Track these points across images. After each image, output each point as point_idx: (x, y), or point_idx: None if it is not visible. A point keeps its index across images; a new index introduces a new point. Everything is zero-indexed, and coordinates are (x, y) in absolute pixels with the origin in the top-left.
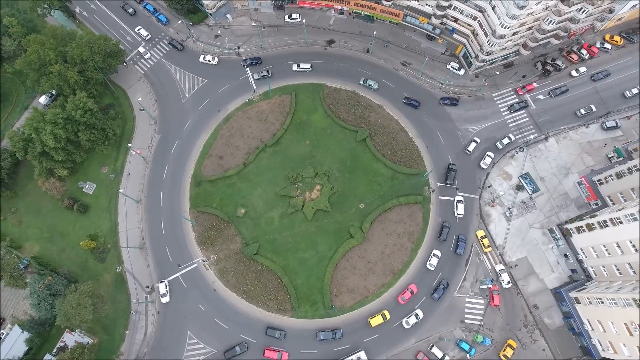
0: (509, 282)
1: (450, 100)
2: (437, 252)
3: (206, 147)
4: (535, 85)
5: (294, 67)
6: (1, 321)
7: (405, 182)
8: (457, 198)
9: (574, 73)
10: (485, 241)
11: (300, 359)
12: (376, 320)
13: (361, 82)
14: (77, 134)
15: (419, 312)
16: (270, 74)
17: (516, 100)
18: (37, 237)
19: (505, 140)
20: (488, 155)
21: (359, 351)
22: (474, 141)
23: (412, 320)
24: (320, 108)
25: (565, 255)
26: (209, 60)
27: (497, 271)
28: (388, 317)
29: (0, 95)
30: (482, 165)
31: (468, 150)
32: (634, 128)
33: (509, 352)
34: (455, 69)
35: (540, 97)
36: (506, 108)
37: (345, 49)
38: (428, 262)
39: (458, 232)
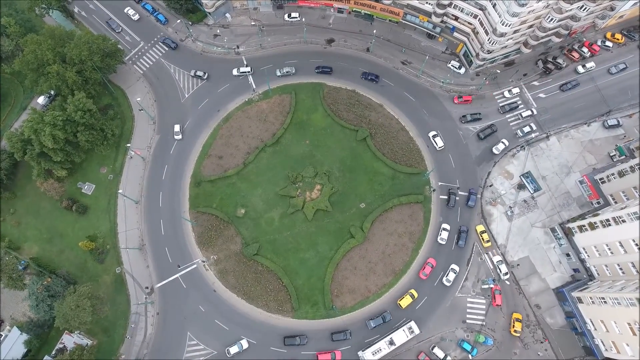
0: (506, 274)
1: (370, 75)
2: (447, 226)
3: (206, 147)
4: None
5: (234, 72)
6: (0, 323)
7: (406, 181)
8: (432, 134)
9: (580, 69)
10: (485, 236)
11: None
12: (406, 301)
13: (278, 73)
14: (75, 135)
15: (455, 266)
16: (206, 76)
17: (470, 111)
18: (36, 238)
19: (527, 129)
20: (502, 142)
21: (409, 321)
22: (531, 110)
23: (452, 276)
24: (320, 107)
25: (568, 255)
26: (132, 15)
27: (495, 262)
28: (416, 295)
29: None
30: (494, 151)
31: (502, 107)
32: (636, 126)
33: (518, 326)
34: (455, 67)
35: (542, 95)
36: (457, 119)
37: (345, 48)
38: (439, 237)
39: (469, 186)
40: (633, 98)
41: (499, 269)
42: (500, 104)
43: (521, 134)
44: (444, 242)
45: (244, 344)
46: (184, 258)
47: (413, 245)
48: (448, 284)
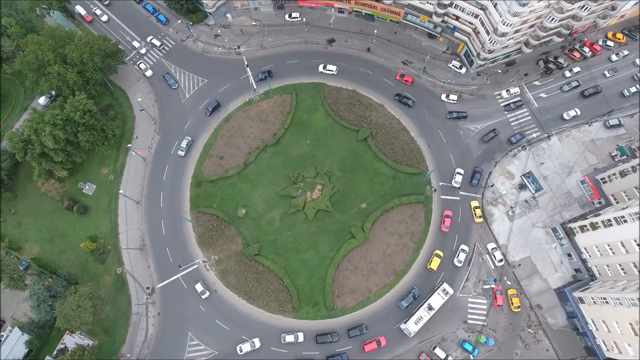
0: (501, 260)
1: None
2: (461, 170)
3: (206, 147)
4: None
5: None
6: (1, 323)
7: (406, 181)
8: (321, 66)
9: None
10: (478, 211)
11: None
12: (435, 263)
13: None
14: (76, 135)
15: (464, 247)
16: (161, 46)
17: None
18: (36, 239)
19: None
20: (575, 110)
21: (442, 284)
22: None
23: (462, 256)
24: (321, 107)
25: (569, 255)
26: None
27: (490, 250)
28: (442, 254)
29: (0, 96)
30: (565, 116)
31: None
32: (637, 126)
33: (516, 302)
34: (456, 67)
35: (543, 95)
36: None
37: (346, 48)
38: (453, 181)
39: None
40: (634, 98)
41: (494, 255)
42: (449, 110)
43: (627, 94)
44: (458, 185)
45: (257, 342)
46: (185, 258)
47: (414, 245)
48: (459, 265)
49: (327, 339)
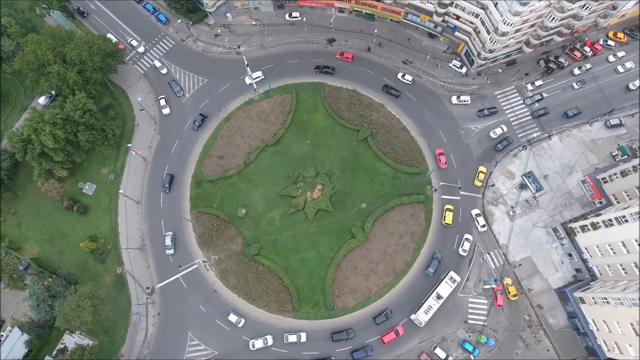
0: (484, 226)
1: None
2: (504, 127)
3: (207, 147)
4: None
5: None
6: (1, 323)
7: (407, 181)
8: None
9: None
10: (481, 176)
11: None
12: (449, 218)
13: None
14: (76, 135)
15: (468, 235)
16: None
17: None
18: (36, 239)
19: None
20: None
21: (448, 272)
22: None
23: (467, 245)
24: (321, 107)
25: (570, 255)
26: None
27: (473, 215)
28: (453, 207)
29: (0, 95)
30: (632, 86)
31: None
32: (638, 126)
33: (513, 290)
34: (457, 67)
35: (544, 94)
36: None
37: (346, 48)
38: (492, 131)
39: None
40: (635, 97)
41: (477, 221)
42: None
43: (633, 88)
44: (495, 136)
45: (269, 339)
46: (185, 258)
47: (414, 245)
48: (464, 254)
49: (342, 336)
